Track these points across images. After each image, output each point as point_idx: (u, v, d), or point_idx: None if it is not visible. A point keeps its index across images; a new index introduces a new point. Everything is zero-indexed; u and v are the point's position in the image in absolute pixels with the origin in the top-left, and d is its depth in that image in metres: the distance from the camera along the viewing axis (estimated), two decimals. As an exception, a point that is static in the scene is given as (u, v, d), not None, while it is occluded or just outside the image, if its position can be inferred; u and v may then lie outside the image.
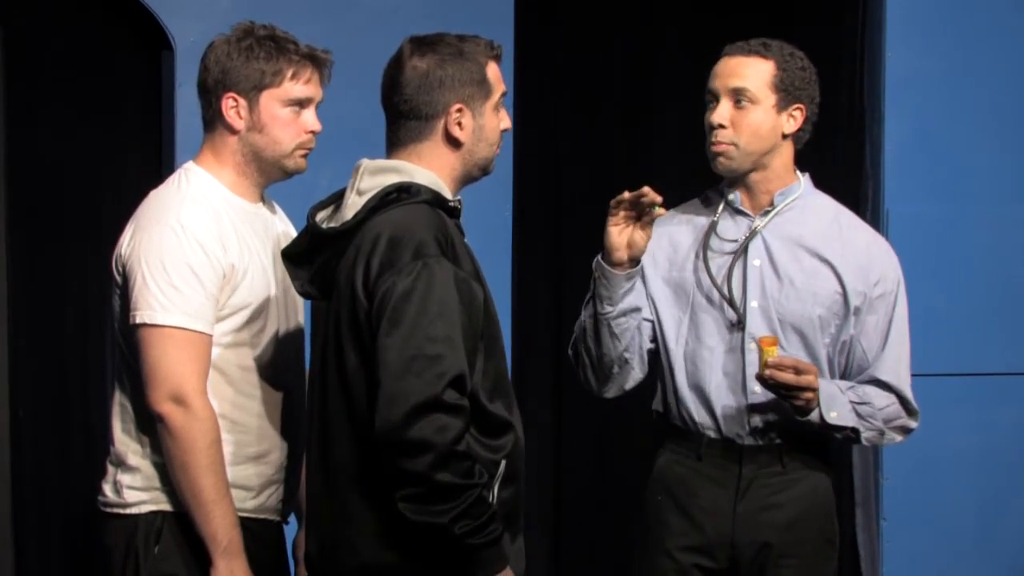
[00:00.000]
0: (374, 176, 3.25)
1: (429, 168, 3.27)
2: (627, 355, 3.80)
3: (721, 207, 3.85)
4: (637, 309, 3.78)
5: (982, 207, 5.37)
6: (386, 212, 3.19)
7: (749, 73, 3.78)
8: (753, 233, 3.82)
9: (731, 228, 3.84)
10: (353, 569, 3.21)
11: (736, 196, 3.84)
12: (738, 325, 3.78)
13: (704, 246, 3.82)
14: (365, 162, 3.28)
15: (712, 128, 3.77)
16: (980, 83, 5.36)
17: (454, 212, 3.27)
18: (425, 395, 3.05)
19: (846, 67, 5.46)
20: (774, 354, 3.65)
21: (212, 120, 3.51)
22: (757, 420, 3.79)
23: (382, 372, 3.07)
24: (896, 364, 3.84)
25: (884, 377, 3.82)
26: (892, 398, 3.83)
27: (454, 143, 3.29)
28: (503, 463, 3.22)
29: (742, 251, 3.81)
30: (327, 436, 3.25)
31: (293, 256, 3.31)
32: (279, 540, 3.60)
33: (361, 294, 3.16)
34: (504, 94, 3.36)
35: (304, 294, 3.34)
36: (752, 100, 3.77)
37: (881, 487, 5.35)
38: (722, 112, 3.76)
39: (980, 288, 5.36)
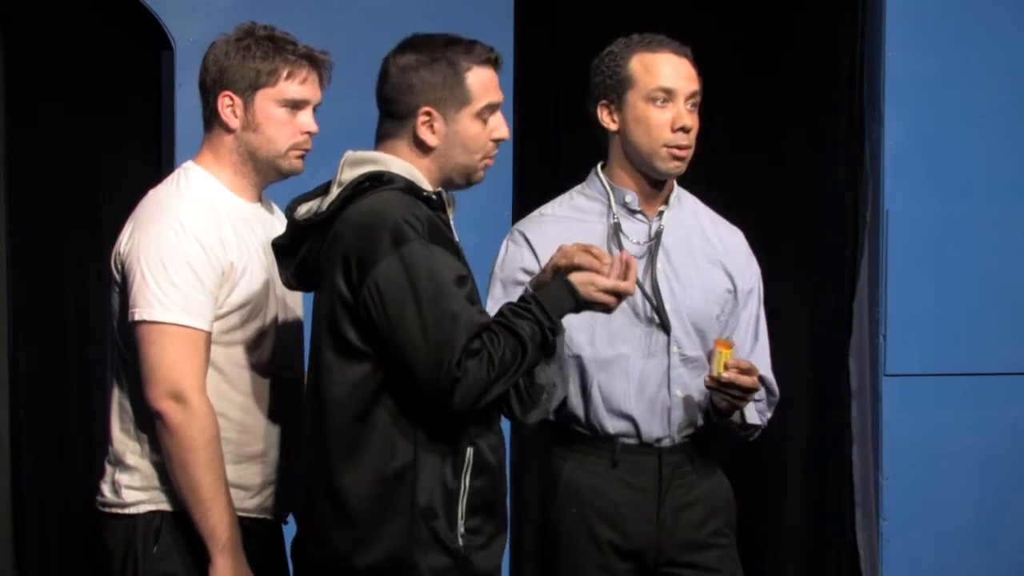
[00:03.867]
0: (353, 168, 3.29)
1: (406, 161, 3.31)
2: (556, 379, 3.68)
3: (612, 209, 3.79)
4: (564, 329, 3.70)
5: (981, 207, 5.37)
6: (359, 201, 3.22)
7: (697, 78, 3.77)
8: (659, 235, 3.78)
9: (631, 231, 3.79)
10: (322, 563, 3.27)
11: (634, 197, 3.79)
12: (660, 329, 3.74)
13: (620, 250, 3.72)
14: (347, 154, 3.32)
15: (683, 130, 3.71)
16: (979, 83, 5.35)
17: (430, 202, 3.27)
18: (445, 392, 3.13)
19: (845, 67, 5.46)
20: (730, 356, 3.64)
21: (210, 119, 3.52)
22: (677, 423, 3.75)
23: (410, 365, 3.14)
24: (766, 357, 3.86)
25: (760, 371, 3.78)
26: (763, 390, 3.82)
27: (422, 146, 3.31)
28: (469, 451, 3.24)
29: (650, 254, 3.77)
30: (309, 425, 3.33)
31: (279, 248, 3.34)
32: (278, 540, 3.60)
33: (342, 287, 3.19)
34: (494, 103, 3.33)
35: (288, 286, 3.38)
36: (697, 105, 3.77)
37: (881, 487, 5.35)
38: (689, 116, 3.72)
39: (979, 288, 5.35)
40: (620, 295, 3.27)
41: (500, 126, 3.35)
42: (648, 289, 3.74)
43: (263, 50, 3.47)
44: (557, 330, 3.25)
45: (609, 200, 3.79)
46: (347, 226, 3.20)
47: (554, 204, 3.86)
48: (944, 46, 5.34)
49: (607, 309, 3.30)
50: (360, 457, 3.21)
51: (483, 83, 3.32)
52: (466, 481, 3.23)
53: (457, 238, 3.37)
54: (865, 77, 5.41)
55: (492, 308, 3.71)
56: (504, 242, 3.84)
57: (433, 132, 3.29)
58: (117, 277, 3.47)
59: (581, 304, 3.27)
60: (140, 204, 3.52)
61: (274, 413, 3.52)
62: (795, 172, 5.53)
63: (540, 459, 3.90)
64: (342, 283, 3.19)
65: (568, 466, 3.76)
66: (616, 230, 3.77)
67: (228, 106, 3.48)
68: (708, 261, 3.83)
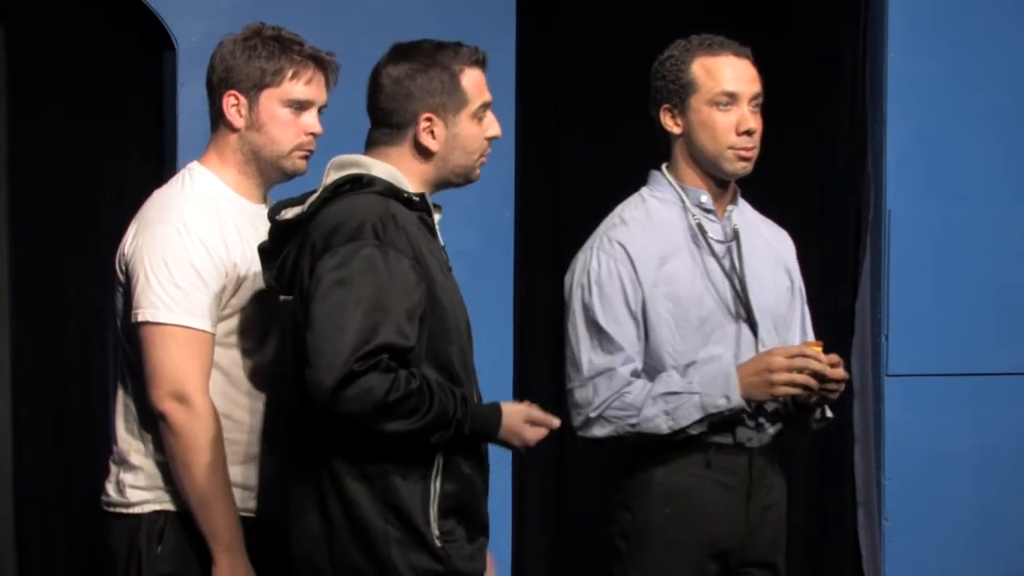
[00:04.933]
0: (339, 171, 3.31)
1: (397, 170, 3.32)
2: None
3: (687, 209, 3.79)
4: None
5: (983, 209, 5.37)
6: (335, 203, 3.24)
7: (759, 78, 3.78)
8: (736, 233, 3.80)
9: (710, 230, 3.79)
10: (305, 560, 3.28)
11: (708, 198, 3.80)
12: (748, 327, 3.76)
13: (711, 253, 3.77)
14: (334, 158, 3.34)
15: (748, 134, 3.72)
16: (981, 85, 5.35)
17: (412, 204, 3.28)
18: (336, 376, 3.09)
19: (847, 69, 5.46)
20: (821, 352, 3.68)
21: (215, 119, 3.52)
22: (766, 422, 3.77)
23: (314, 350, 3.12)
24: None
25: None
26: None
27: (424, 152, 3.33)
28: (439, 456, 3.25)
29: (730, 253, 3.79)
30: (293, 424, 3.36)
31: (262, 252, 3.36)
32: (280, 540, 3.59)
33: (307, 280, 3.21)
34: (488, 103, 3.36)
35: (270, 288, 3.39)
36: (760, 105, 3.78)
37: (883, 487, 5.35)
38: (753, 118, 3.74)
39: (981, 289, 5.35)
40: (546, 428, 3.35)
41: (493, 124, 3.39)
42: (738, 287, 3.76)
43: (269, 50, 3.47)
44: (463, 432, 3.23)
45: (683, 201, 3.79)
46: (320, 228, 3.22)
47: (629, 208, 3.84)
48: (946, 48, 5.34)
49: (521, 446, 3.34)
50: (334, 459, 3.23)
51: (476, 84, 3.36)
52: (436, 485, 3.24)
53: (443, 241, 3.39)
54: (867, 79, 5.40)
55: (584, 324, 3.74)
56: (592, 250, 3.79)
57: (434, 137, 3.32)
58: (121, 278, 3.47)
59: (502, 430, 3.29)
60: (145, 204, 3.52)
61: (276, 414, 3.51)
62: (797, 173, 5.53)
63: (611, 462, 3.86)
64: (307, 282, 3.21)
65: (660, 467, 3.74)
66: (701, 231, 3.77)
67: (233, 105, 3.48)
68: (773, 259, 3.87)
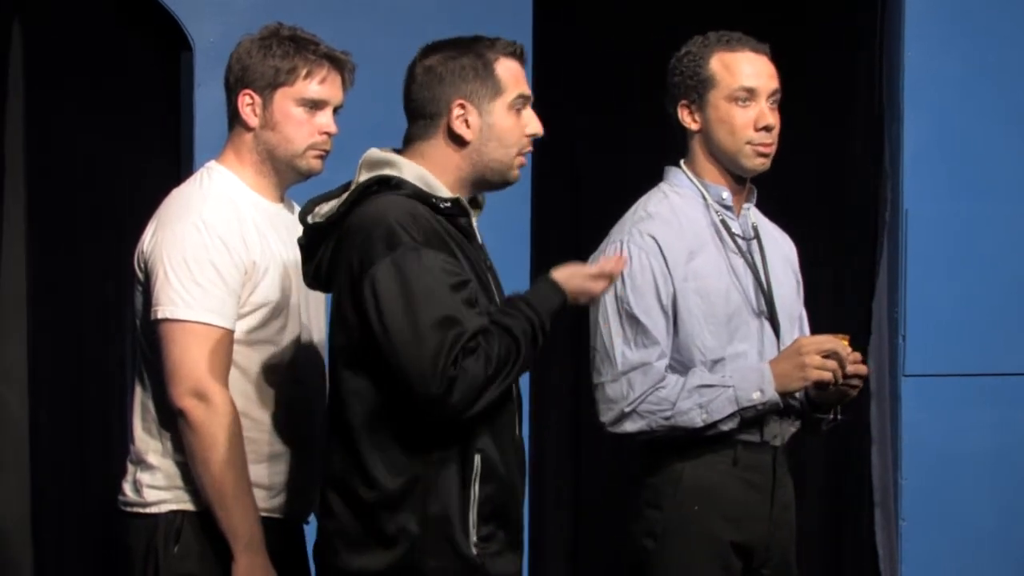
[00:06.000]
0: (370, 170, 3.26)
1: (430, 167, 3.26)
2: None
3: (708, 205, 3.78)
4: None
5: (1001, 206, 5.37)
6: (364, 205, 3.20)
7: (776, 76, 3.78)
8: (756, 230, 3.80)
9: (733, 228, 3.79)
10: (342, 567, 3.25)
11: (729, 194, 3.79)
12: (770, 324, 3.76)
13: (737, 249, 3.76)
14: (367, 153, 3.29)
15: (766, 129, 3.72)
16: (999, 82, 5.35)
17: (439, 209, 3.23)
18: (438, 388, 3.07)
19: (864, 66, 5.45)
20: (848, 349, 3.68)
21: (232, 118, 3.53)
22: (789, 419, 3.77)
23: (404, 369, 3.10)
24: None
25: None
26: None
27: (458, 141, 3.26)
28: (477, 458, 3.21)
29: (753, 252, 3.79)
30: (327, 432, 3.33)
31: (301, 248, 3.34)
32: (299, 540, 3.60)
33: (346, 294, 3.19)
34: (524, 96, 3.30)
35: (311, 286, 3.37)
36: (778, 102, 3.78)
37: (900, 487, 5.35)
38: (771, 114, 3.74)
39: (999, 288, 5.35)
40: (608, 278, 3.29)
41: (533, 120, 3.32)
42: (763, 283, 3.77)
43: (284, 49, 3.47)
44: (547, 327, 3.21)
45: (705, 198, 3.78)
46: (349, 231, 3.19)
47: (654, 203, 3.82)
48: (963, 45, 5.34)
49: (593, 299, 3.32)
50: (373, 465, 3.20)
51: (512, 74, 3.29)
52: (475, 489, 3.21)
53: (481, 240, 3.36)
54: (884, 76, 5.40)
55: (617, 317, 3.71)
56: (622, 244, 3.76)
57: (468, 126, 3.25)
58: (140, 276, 3.47)
59: (568, 297, 3.26)
60: (163, 203, 3.53)
61: (296, 413, 3.52)
62: (814, 172, 5.53)
63: (632, 460, 3.86)
64: (347, 290, 3.19)
65: (688, 464, 3.71)
66: (725, 227, 3.76)
67: (248, 104, 3.49)
68: (783, 259, 3.87)
